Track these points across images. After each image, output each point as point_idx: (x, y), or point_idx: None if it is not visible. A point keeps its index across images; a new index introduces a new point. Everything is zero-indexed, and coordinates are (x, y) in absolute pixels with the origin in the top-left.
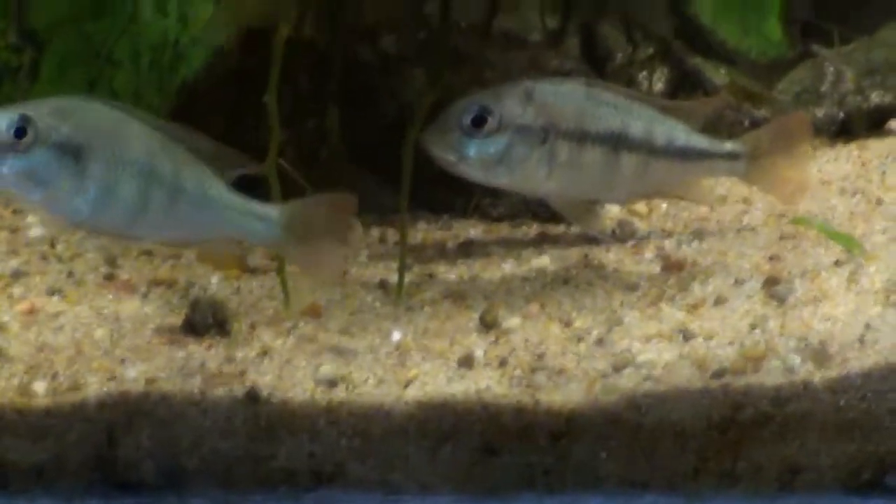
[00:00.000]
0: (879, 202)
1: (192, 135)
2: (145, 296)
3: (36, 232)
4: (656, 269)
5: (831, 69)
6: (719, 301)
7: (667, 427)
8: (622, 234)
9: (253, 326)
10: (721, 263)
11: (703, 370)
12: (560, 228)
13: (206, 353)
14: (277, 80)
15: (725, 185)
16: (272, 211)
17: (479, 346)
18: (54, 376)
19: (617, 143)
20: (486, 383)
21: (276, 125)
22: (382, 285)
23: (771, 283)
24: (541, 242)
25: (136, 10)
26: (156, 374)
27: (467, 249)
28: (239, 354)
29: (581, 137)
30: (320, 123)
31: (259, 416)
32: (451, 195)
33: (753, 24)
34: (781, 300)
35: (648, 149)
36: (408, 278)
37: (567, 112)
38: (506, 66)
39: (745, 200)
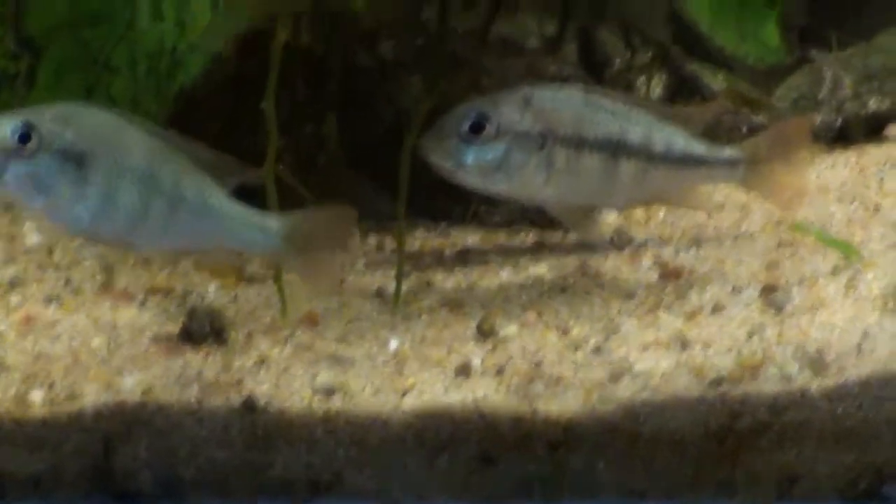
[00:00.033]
0: (877, 209)
1: (191, 143)
2: (142, 304)
3: (33, 240)
4: (654, 276)
5: (829, 75)
6: (717, 309)
7: (664, 436)
8: (620, 242)
9: (250, 335)
10: (719, 271)
11: (700, 378)
12: (557, 236)
13: (203, 362)
14: (275, 86)
15: (723, 191)
16: (272, 222)
17: (476, 355)
18: (51, 386)
19: (615, 149)
20: (484, 392)
21: (273, 131)
22: (380, 293)
23: (769, 290)
24: (538, 250)
25: (133, 17)
26: (153, 384)
27: (465, 257)
28: (236, 363)
29: (579, 144)
30: (318, 129)
31: (256, 426)
32: (448, 202)
33: (751, 29)
34: (779, 308)
35: (647, 155)
36: (405, 286)
37: (565, 118)
38: (503, 72)
39: (743, 207)
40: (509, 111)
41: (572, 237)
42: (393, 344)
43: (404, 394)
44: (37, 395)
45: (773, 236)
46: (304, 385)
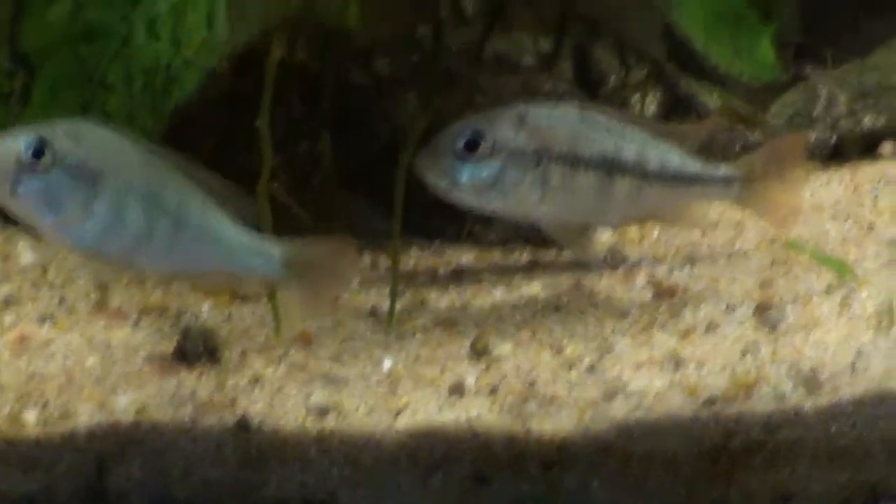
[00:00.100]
0: (871, 227)
1: (195, 166)
2: (136, 323)
3: (27, 258)
4: (648, 295)
5: (824, 92)
6: (711, 327)
7: (658, 455)
8: (614, 261)
9: (244, 354)
10: (713, 289)
11: (694, 397)
12: (552, 254)
13: (196, 382)
14: (270, 103)
15: (717, 209)
16: (273, 248)
17: (470, 374)
18: (45, 405)
19: (610, 166)
20: (478, 411)
21: (268, 149)
22: (374, 312)
23: (762, 309)
24: (532, 269)
25: (128, 34)
26: (146, 403)
27: (459, 276)
28: (230, 382)
29: (574, 161)
30: (313, 147)
31: (250, 445)
32: (443, 220)
33: (746, 46)
34: (773, 326)
35: (642, 173)
36: (399, 305)
37: (560, 136)
38: (498, 89)
39: (737, 225)
40: (504, 129)
41: (566, 256)
42: (387, 363)
43: (398, 413)
44: (30, 415)
45: (767, 254)
46: (298, 404)
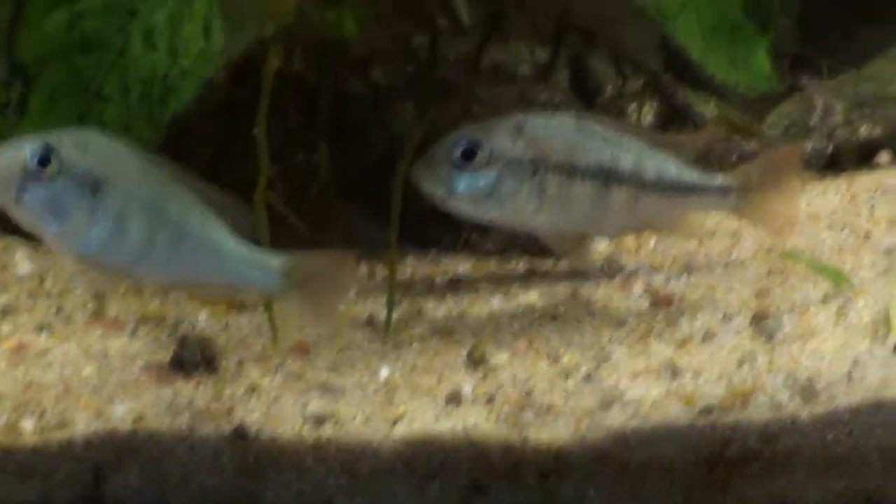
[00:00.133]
0: (868, 236)
1: (196, 178)
2: (133, 332)
3: (25, 268)
4: (645, 304)
5: (820, 102)
6: (707, 337)
7: (655, 464)
8: (610, 270)
9: (241, 363)
10: (709, 298)
11: (691, 406)
12: (549, 263)
13: (194, 391)
14: (267, 113)
15: (714, 218)
16: (273, 260)
17: (467, 383)
18: (42, 414)
19: (607, 176)
20: (474, 420)
21: (265, 159)
22: (371, 321)
23: (759, 318)
24: (529, 278)
25: (125, 44)
26: (144, 412)
27: (456, 285)
28: (227, 391)
29: (571, 171)
30: (310, 157)
31: (247, 454)
32: (440, 230)
33: (742, 57)
34: (770, 336)
35: (639, 182)
36: (396, 314)
37: (557, 145)
38: (495, 99)
39: (734, 234)
40: (501, 138)
41: (563, 265)
42: (384, 372)
43: (395, 422)
44: (28, 424)
45: (763, 264)
46: (295, 413)
